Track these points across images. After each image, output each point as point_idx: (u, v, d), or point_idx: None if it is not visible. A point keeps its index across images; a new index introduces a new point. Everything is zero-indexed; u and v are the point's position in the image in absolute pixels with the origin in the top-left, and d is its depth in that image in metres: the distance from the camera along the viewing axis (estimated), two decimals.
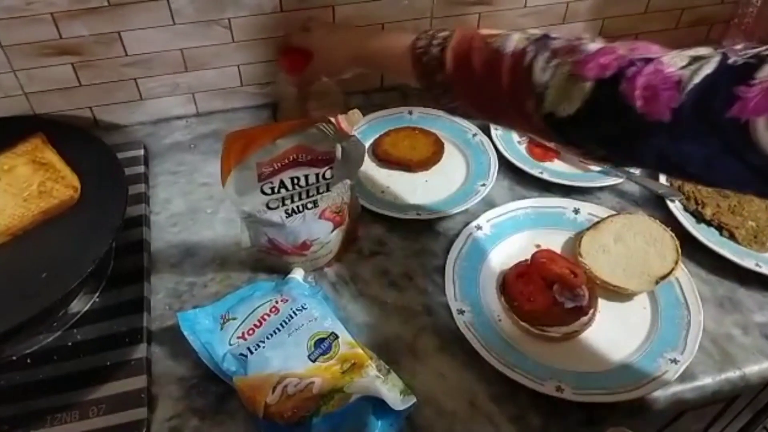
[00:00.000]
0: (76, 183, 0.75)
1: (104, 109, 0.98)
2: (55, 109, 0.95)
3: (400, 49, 0.67)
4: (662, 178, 0.91)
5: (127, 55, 0.92)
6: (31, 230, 0.71)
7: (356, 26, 0.96)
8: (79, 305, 0.73)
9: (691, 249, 0.82)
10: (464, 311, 0.73)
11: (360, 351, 0.66)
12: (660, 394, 0.68)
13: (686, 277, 0.77)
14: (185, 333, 0.68)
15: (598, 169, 0.94)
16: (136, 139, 0.98)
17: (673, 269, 0.76)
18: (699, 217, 0.86)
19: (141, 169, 0.91)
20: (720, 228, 0.85)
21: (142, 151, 0.94)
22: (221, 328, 0.69)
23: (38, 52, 0.88)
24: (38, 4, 0.83)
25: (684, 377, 0.68)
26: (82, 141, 0.81)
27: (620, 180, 0.92)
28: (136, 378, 0.67)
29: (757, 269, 0.79)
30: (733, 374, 0.70)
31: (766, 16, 1.14)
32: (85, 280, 0.65)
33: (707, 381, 0.70)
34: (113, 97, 0.97)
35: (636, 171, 0.92)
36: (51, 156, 0.77)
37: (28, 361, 0.69)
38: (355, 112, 0.69)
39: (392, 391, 0.63)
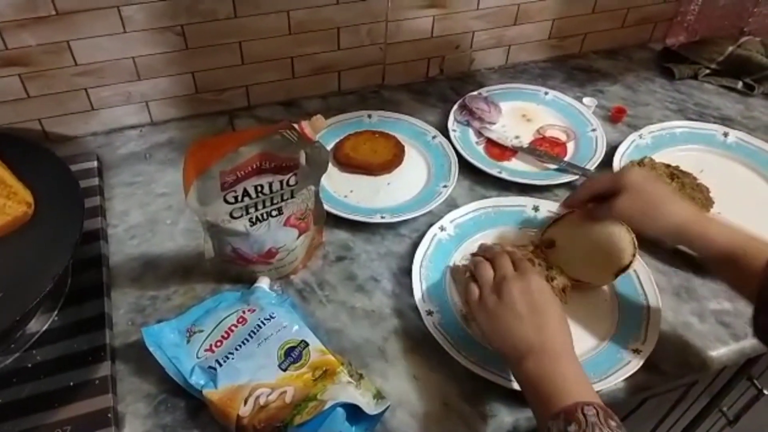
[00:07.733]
0: (30, 198, 0.72)
1: (54, 121, 0.95)
2: (2, 122, 0.92)
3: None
4: None
5: (77, 64, 0.90)
6: None
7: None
8: (38, 325, 0.71)
9: (646, 241, 0.84)
10: (433, 312, 0.74)
11: (331, 357, 0.66)
12: (625, 383, 0.70)
13: (644, 269, 0.79)
14: (151, 348, 0.66)
15: (554, 166, 0.96)
16: (88, 150, 0.96)
17: (631, 262, 0.78)
18: None
19: (95, 181, 0.89)
20: None
21: (95, 163, 0.92)
22: (188, 342, 0.68)
23: None
24: None
25: (647, 366, 0.70)
26: (33, 154, 0.78)
27: (576, 177, 0.94)
28: (102, 397, 0.65)
29: None
30: (692, 361, 0.73)
31: (708, 14, 1.19)
32: (43, 298, 0.63)
33: (668, 369, 0.72)
34: (64, 108, 0.94)
35: (591, 168, 0.95)
36: (1, 171, 0.74)
37: None
38: (319, 118, 0.69)
39: (365, 396, 0.63)
